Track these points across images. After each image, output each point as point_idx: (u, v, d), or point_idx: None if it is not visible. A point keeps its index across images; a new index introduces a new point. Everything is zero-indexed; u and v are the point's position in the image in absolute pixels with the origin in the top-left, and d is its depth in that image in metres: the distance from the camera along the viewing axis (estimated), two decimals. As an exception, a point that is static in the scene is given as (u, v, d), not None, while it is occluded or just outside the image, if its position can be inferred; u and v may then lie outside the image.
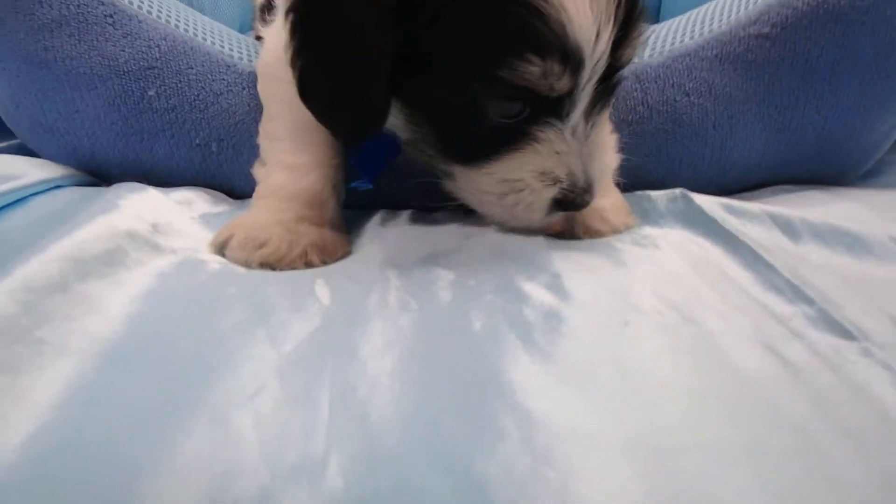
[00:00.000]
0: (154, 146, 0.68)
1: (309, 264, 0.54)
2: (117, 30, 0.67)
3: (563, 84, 0.45)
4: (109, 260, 0.45)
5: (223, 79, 0.68)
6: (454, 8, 0.45)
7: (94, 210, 0.50)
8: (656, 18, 1.73)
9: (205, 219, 0.62)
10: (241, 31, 1.06)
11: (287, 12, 0.49)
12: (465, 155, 0.51)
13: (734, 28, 0.66)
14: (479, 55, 0.45)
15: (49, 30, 0.65)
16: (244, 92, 0.69)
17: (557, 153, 0.48)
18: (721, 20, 0.68)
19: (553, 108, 0.47)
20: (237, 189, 0.71)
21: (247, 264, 0.52)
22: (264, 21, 0.76)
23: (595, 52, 0.45)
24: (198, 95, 0.68)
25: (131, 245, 0.47)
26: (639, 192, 0.66)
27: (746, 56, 0.65)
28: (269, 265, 0.52)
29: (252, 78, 0.69)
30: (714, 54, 0.66)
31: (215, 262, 0.51)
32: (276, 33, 0.58)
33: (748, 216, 0.56)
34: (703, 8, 0.71)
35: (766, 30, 0.65)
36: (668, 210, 0.61)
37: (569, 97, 0.47)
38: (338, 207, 0.60)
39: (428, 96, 0.49)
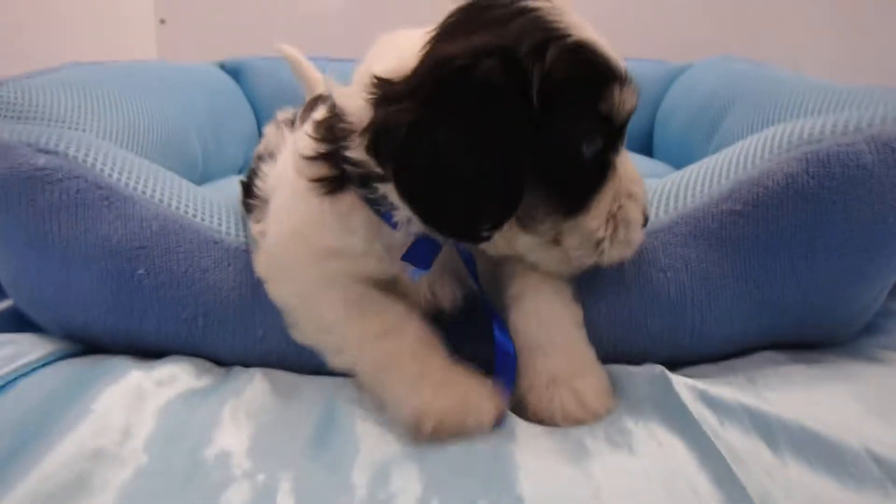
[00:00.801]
0: (142, 321, 0.70)
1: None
2: (112, 212, 0.70)
3: (629, 108, 0.56)
4: (74, 488, 0.45)
5: (210, 255, 0.71)
6: (555, 68, 0.51)
7: (65, 423, 0.51)
8: (649, 152, 1.80)
9: (187, 401, 0.63)
10: (241, 172, 1.12)
11: (373, 145, 0.52)
12: (571, 203, 0.57)
13: (707, 204, 0.67)
14: (580, 95, 0.54)
15: (49, 214, 0.69)
16: (230, 268, 0.71)
17: (622, 177, 0.59)
18: (694, 195, 0.69)
19: (621, 132, 0.58)
20: (223, 359, 0.72)
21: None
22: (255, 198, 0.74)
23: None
24: (185, 272, 0.70)
25: (97, 467, 0.48)
26: (618, 367, 0.66)
27: (721, 232, 0.66)
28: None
29: (238, 253, 0.72)
30: (688, 231, 0.67)
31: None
32: (283, 214, 0.63)
33: (726, 412, 0.55)
34: (673, 179, 0.73)
35: (738, 207, 0.66)
36: (645, 395, 0.60)
37: (628, 120, 0.57)
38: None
39: (545, 153, 0.54)
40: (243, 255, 0.72)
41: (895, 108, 0.67)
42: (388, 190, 0.55)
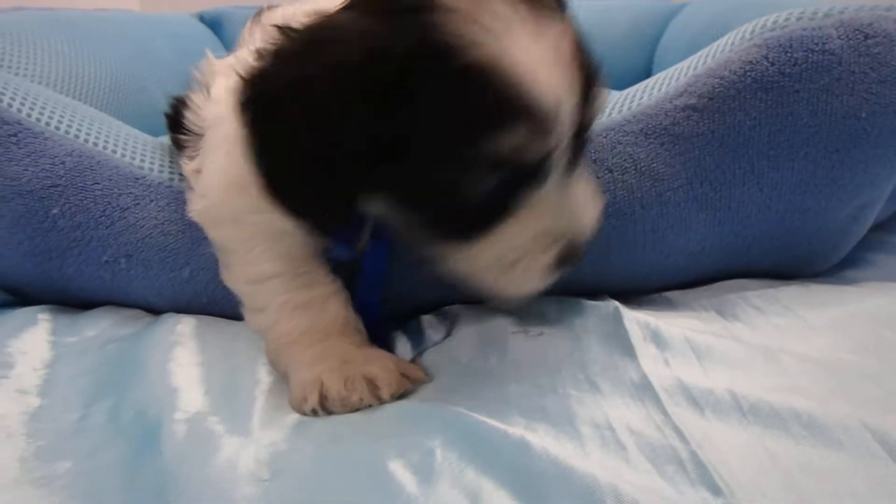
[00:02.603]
0: (62, 265, 0.66)
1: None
2: (21, 149, 0.65)
3: (541, 149, 0.44)
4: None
5: (130, 192, 0.66)
6: (425, 90, 0.43)
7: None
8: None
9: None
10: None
11: (243, 107, 0.46)
12: (455, 235, 0.49)
13: (661, 101, 0.61)
14: (458, 133, 0.44)
15: (-46, 155, 0.65)
16: (152, 205, 0.66)
17: (546, 214, 0.48)
18: (651, 93, 0.63)
19: (534, 172, 0.46)
20: (151, 303, 0.68)
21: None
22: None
23: (565, 115, 0.44)
24: (104, 211, 0.65)
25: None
26: (571, 301, 0.60)
27: (673, 129, 0.60)
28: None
29: (161, 189, 0.67)
30: (639, 128, 0.61)
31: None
32: (221, 159, 0.57)
33: (675, 355, 0.50)
34: (639, 84, 0.66)
35: (692, 101, 0.59)
36: (593, 328, 0.55)
37: (547, 159, 0.45)
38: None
39: (410, 180, 0.47)
40: (167, 192, 0.67)
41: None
42: None
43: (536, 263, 0.49)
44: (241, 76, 0.47)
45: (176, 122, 0.71)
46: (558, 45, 0.44)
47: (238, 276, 0.60)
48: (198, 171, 0.63)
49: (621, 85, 1.81)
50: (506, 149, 0.43)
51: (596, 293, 0.64)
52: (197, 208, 0.62)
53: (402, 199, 0.49)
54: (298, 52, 0.46)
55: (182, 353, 0.55)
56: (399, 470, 0.40)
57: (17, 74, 0.85)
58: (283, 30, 0.47)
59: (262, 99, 0.46)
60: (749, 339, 0.52)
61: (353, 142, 0.44)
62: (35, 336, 0.59)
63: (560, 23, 0.45)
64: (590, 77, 0.46)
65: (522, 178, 0.46)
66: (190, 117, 0.67)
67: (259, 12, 0.75)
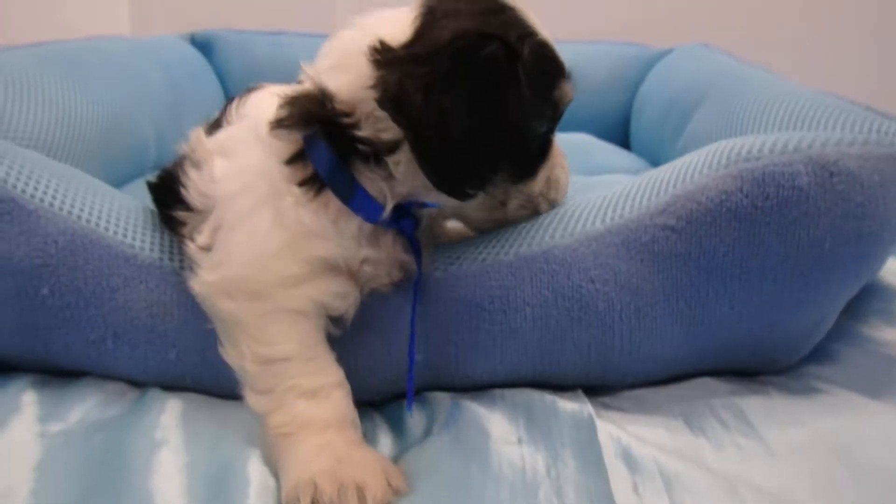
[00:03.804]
0: (48, 342, 0.66)
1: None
2: (14, 227, 0.66)
3: (571, 96, 0.65)
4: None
5: (121, 273, 0.67)
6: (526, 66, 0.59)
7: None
8: (627, 147, 1.77)
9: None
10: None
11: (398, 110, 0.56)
12: (522, 173, 0.66)
13: (642, 216, 0.65)
14: (544, 86, 0.62)
15: (-55, 229, 0.65)
16: (141, 286, 0.67)
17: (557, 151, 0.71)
18: (632, 206, 0.66)
19: (559, 119, 0.67)
20: (136, 380, 0.68)
21: None
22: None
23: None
24: (93, 292, 0.66)
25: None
26: (547, 398, 0.63)
27: (653, 247, 0.63)
28: None
29: (152, 270, 0.68)
30: (620, 241, 0.64)
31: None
32: (261, 229, 0.59)
33: (644, 479, 0.53)
34: (617, 191, 0.70)
35: (672, 222, 0.63)
36: (569, 438, 0.58)
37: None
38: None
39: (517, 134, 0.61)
40: (157, 272, 0.68)
41: (845, 128, 0.64)
42: (394, 160, 0.58)
43: (561, 184, 0.72)
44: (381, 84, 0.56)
45: (167, 196, 0.72)
46: None
47: (245, 355, 0.60)
48: (207, 248, 0.64)
49: (602, 129, 1.82)
50: (560, 94, 0.63)
51: (572, 386, 0.68)
52: (208, 280, 0.61)
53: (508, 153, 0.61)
54: (423, 56, 0.56)
55: (167, 456, 0.55)
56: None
57: (10, 123, 0.85)
58: (387, 47, 0.57)
59: (417, 95, 0.55)
60: (712, 463, 0.55)
61: (514, 110, 0.58)
62: (21, 428, 0.59)
63: None
64: None
65: (558, 120, 0.66)
66: (191, 194, 0.67)
67: (244, 94, 0.76)
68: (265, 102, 0.67)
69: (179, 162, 0.72)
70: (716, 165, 0.64)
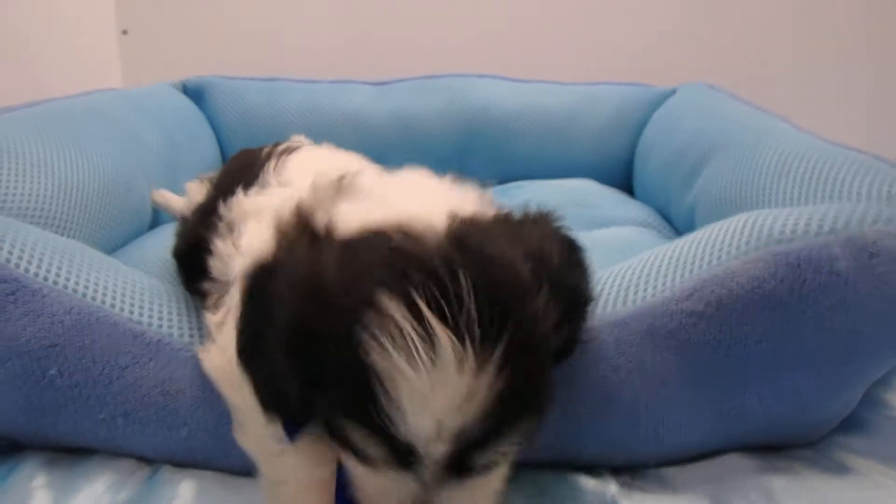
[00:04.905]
0: (57, 421, 0.65)
1: None
2: (19, 308, 0.64)
3: (392, 462, 0.46)
4: None
5: (129, 351, 0.65)
6: (328, 366, 0.45)
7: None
8: (630, 191, 1.68)
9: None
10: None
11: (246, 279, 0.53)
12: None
13: (667, 301, 0.61)
14: (338, 402, 0.46)
15: (-50, 314, 0.63)
16: (150, 364, 0.65)
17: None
18: (655, 288, 0.63)
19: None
20: (147, 457, 0.67)
21: None
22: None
23: (430, 451, 0.44)
24: (102, 370, 0.65)
25: None
26: (571, 481, 0.61)
27: (679, 334, 0.60)
28: None
29: (161, 347, 0.66)
30: (644, 328, 0.61)
31: None
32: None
33: None
34: (636, 267, 0.66)
35: (699, 308, 0.60)
36: None
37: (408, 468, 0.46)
38: None
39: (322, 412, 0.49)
40: (167, 350, 0.66)
41: (872, 190, 0.60)
42: None
43: None
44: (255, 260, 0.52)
45: (193, 268, 0.70)
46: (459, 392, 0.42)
47: (253, 443, 0.59)
48: (221, 325, 0.62)
49: (604, 173, 1.73)
50: (366, 447, 0.46)
51: (594, 466, 0.65)
52: (215, 361, 0.61)
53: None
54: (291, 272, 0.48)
55: None
56: None
57: (7, 193, 0.84)
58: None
59: (259, 283, 0.51)
60: None
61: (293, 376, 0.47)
62: None
63: (478, 370, 0.42)
64: (495, 421, 0.43)
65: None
66: (216, 265, 0.66)
67: (281, 149, 0.74)
68: (306, 169, 0.65)
69: (207, 223, 0.70)
70: (744, 247, 0.60)
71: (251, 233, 0.62)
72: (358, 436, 0.46)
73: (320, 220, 0.52)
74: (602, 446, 0.62)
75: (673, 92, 1.66)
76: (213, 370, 0.61)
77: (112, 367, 0.65)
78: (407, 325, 0.41)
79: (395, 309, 0.42)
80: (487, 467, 0.48)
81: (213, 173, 0.97)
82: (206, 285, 0.66)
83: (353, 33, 2.07)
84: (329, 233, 0.51)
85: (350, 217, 0.52)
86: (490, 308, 0.42)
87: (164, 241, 1.04)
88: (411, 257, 0.44)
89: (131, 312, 0.67)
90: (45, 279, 0.66)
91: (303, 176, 0.64)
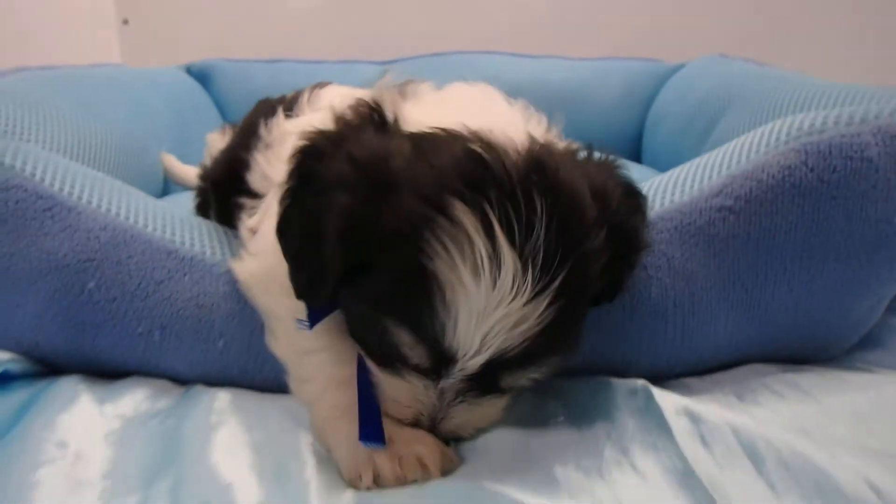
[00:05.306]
0: (96, 337, 0.66)
1: None
2: (56, 223, 0.65)
3: (425, 367, 0.48)
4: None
5: (164, 266, 0.66)
6: (380, 260, 0.46)
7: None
8: (637, 156, 1.70)
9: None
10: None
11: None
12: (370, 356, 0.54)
13: (696, 200, 0.62)
14: (384, 297, 0.48)
15: (-12, 228, 0.65)
16: (185, 278, 0.66)
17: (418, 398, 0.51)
18: (683, 190, 0.63)
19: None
20: (181, 374, 0.68)
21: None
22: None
23: (467, 363, 0.46)
24: (139, 285, 0.66)
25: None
26: (598, 379, 0.61)
27: (709, 230, 0.60)
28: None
29: (195, 263, 0.67)
30: (673, 226, 0.62)
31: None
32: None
33: (710, 429, 0.51)
34: (666, 176, 0.67)
35: (729, 203, 0.60)
36: (625, 405, 0.56)
37: (436, 375, 0.48)
38: None
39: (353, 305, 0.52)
40: (200, 265, 0.67)
41: None
42: None
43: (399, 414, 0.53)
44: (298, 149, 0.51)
45: (229, 184, 0.72)
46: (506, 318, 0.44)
47: (284, 346, 0.60)
48: (253, 231, 0.64)
49: (613, 148, 1.75)
50: (395, 342, 0.48)
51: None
52: (248, 268, 0.62)
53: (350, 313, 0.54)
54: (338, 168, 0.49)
55: (225, 436, 0.56)
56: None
57: (29, 142, 0.85)
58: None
59: (311, 160, 0.50)
60: (776, 418, 0.53)
61: (334, 255, 0.48)
62: (84, 407, 0.60)
63: (533, 298, 0.44)
64: (534, 347, 0.45)
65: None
66: (255, 177, 0.68)
67: (312, 85, 0.76)
68: (338, 98, 0.65)
69: (245, 143, 0.72)
70: (774, 142, 0.60)
71: (301, 123, 0.63)
72: (396, 334, 0.47)
73: (388, 112, 0.53)
74: (629, 343, 0.62)
75: (681, 66, 1.66)
76: (247, 277, 0.62)
77: (148, 282, 0.66)
78: (479, 241, 0.42)
79: (468, 222, 0.43)
80: (511, 389, 0.51)
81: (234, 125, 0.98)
82: (243, 199, 0.67)
83: (357, 12, 2.08)
84: (397, 124, 0.51)
85: (420, 116, 0.52)
86: (556, 240, 0.43)
87: (177, 206, 1.05)
88: (490, 170, 0.44)
89: (164, 232, 0.69)
90: (79, 198, 0.67)
91: (339, 104, 0.65)
